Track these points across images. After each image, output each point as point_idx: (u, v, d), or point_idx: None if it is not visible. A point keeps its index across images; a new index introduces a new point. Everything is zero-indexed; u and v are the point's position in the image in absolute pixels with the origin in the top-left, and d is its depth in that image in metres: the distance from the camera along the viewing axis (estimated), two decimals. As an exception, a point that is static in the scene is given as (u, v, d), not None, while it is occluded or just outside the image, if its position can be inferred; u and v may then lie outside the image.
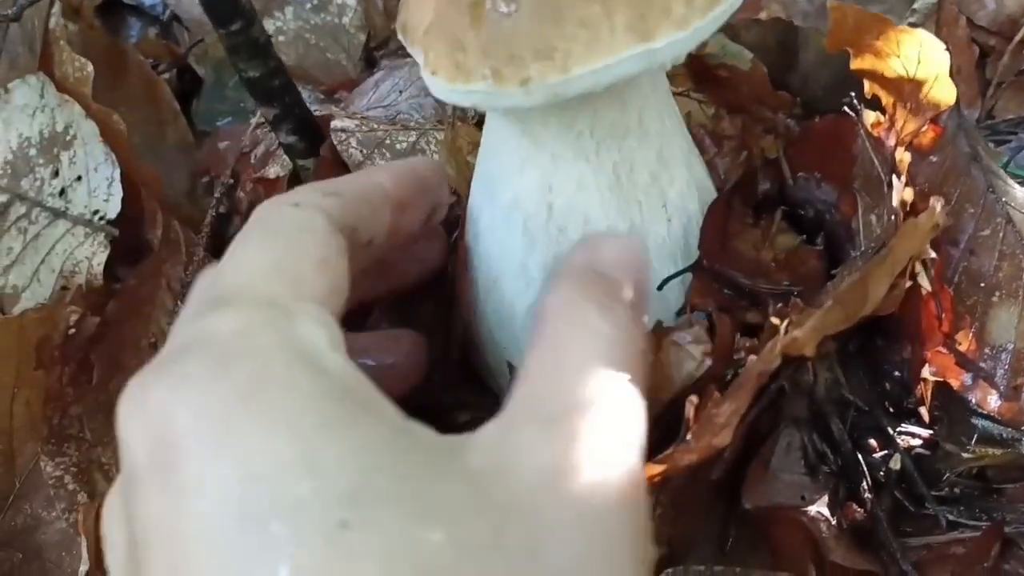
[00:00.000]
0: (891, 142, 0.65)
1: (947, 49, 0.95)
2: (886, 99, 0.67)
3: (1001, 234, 0.65)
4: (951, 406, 0.63)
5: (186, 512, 0.36)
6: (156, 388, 0.39)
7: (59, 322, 0.74)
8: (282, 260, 0.45)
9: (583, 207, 0.60)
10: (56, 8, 0.84)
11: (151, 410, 0.38)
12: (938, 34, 1.02)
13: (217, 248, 0.84)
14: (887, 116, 0.66)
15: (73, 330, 0.75)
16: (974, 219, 0.66)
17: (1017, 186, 0.69)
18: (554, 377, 0.44)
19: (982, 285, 0.64)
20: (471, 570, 0.35)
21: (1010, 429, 0.64)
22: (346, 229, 0.49)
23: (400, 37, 0.57)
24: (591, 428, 0.41)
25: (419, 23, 0.55)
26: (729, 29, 0.75)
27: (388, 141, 0.77)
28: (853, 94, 0.68)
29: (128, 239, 0.82)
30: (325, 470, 0.35)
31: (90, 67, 0.80)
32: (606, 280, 0.51)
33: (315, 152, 0.71)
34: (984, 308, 0.64)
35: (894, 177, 0.62)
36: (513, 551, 0.36)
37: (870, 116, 0.66)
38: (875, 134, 0.66)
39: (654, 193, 0.61)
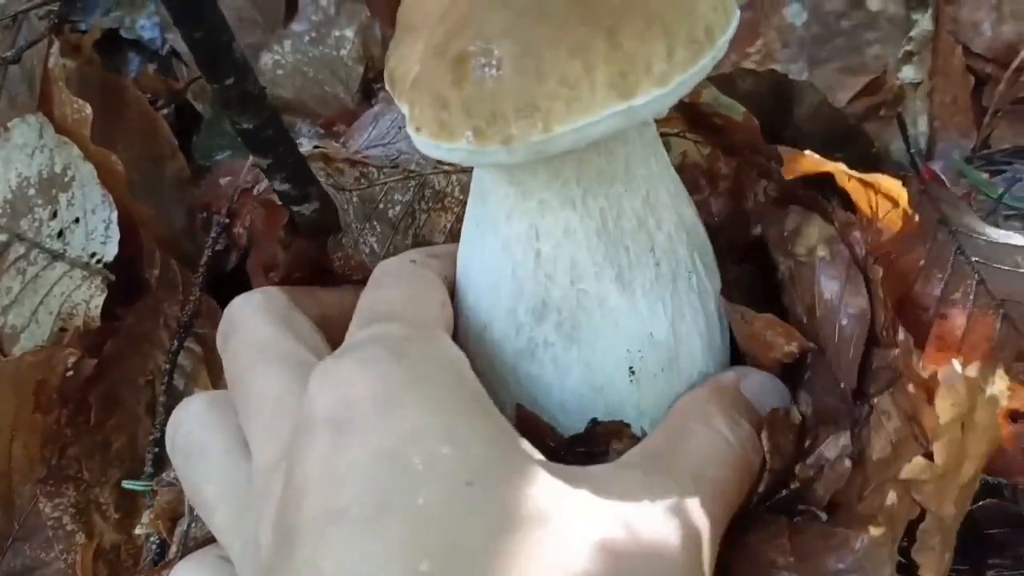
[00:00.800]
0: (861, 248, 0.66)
1: (943, 79, 0.96)
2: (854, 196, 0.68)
3: (972, 296, 0.65)
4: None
5: (350, 457, 0.46)
6: (346, 361, 0.50)
7: (57, 365, 0.74)
8: (416, 298, 0.59)
9: (570, 253, 0.60)
10: (55, 48, 0.85)
11: (339, 378, 0.49)
12: (933, 63, 1.03)
13: (214, 286, 0.85)
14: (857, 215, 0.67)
15: (71, 372, 0.75)
16: (943, 284, 0.66)
17: (996, 234, 0.68)
18: (667, 459, 0.54)
19: (957, 349, 0.64)
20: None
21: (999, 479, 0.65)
22: (445, 282, 0.62)
23: (387, 87, 0.58)
24: (667, 518, 0.49)
25: (405, 74, 0.56)
26: (723, 79, 0.75)
27: (382, 206, 0.77)
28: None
29: (126, 277, 0.82)
30: (461, 442, 0.46)
31: (88, 109, 0.81)
32: (745, 401, 0.60)
33: (308, 197, 0.72)
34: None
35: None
36: None
37: (842, 216, 0.66)
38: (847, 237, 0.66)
39: (641, 238, 0.61)
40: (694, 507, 0.51)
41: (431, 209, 0.79)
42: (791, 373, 0.66)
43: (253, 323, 0.60)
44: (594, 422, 0.61)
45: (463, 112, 0.52)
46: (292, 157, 0.69)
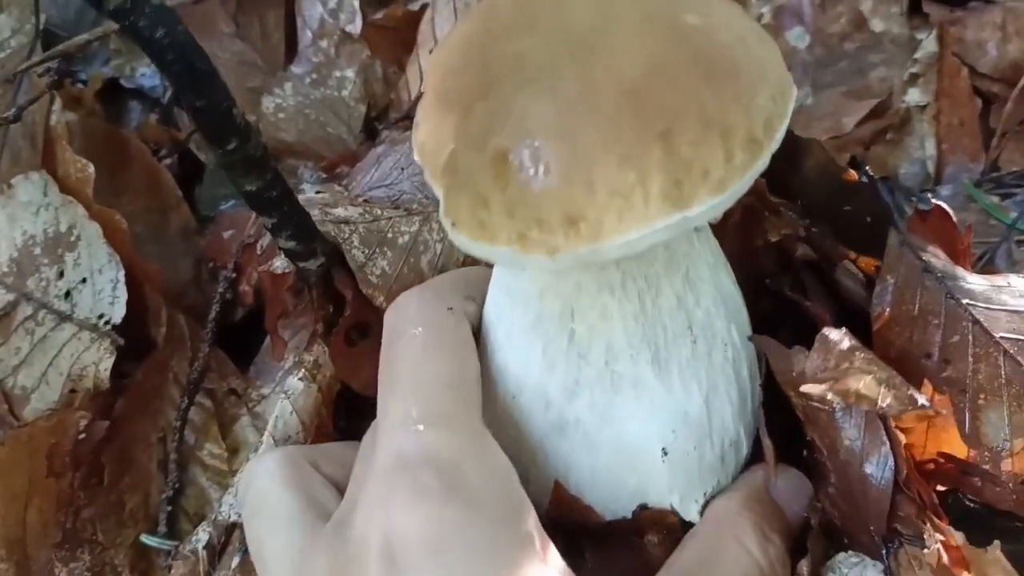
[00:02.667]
0: None
1: (949, 101, 0.95)
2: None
3: (971, 337, 0.65)
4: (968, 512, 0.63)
5: None
6: (400, 493, 0.50)
7: (69, 429, 0.74)
8: (458, 378, 0.57)
9: (605, 335, 0.58)
10: (56, 105, 0.85)
11: (393, 511, 0.50)
12: (939, 85, 1.03)
13: (223, 340, 0.85)
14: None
15: (83, 435, 0.75)
16: (940, 329, 0.65)
17: (976, 279, 0.68)
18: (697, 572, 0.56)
19: (965, 391, 0.64)
20: None
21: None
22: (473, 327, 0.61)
23: (416, 158, 0.55)
24: None
25: (437, 153, 0.52)
26: None
27: (391, 235, 0.77)
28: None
29: (134, 333, 0.82)
30: None
31: (91, 168, 0.81)
32: (775, 509, 0.61)
33: (314, 253, 0.71)
34: (973, 412, 0.63)
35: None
36: None
37: None
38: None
39: (680, 317, 0.59)
40: None
41: (445, 239, 0.78)
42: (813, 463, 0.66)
43: (267, 489, 0.61)
44: (642, 507, 0.61)
45: (505, 215, 0.49)
46: (297, 215, 0.69)
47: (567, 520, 0.58)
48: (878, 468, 0.60)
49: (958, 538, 0.58)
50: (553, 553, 0.52)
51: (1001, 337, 0.64)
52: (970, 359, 0.65)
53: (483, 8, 0.55)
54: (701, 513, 0.61)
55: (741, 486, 0.63)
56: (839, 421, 0.61)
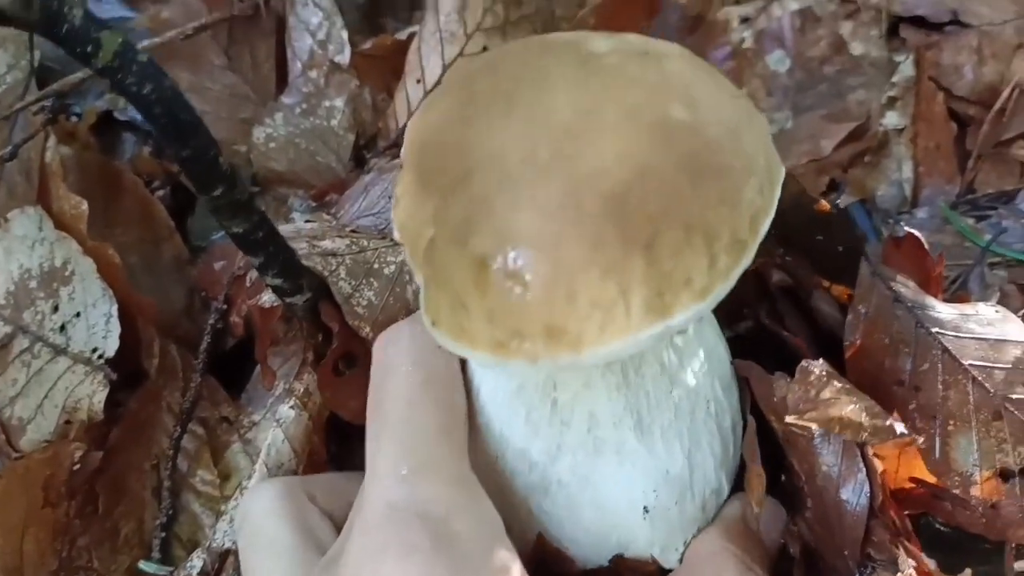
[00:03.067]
0: None
1: (926, 124, 0.97)
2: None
3: (940, 365, 0.67)
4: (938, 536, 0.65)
5: None
6: (389, 550, 0.51)
7: (64, 460, 0.76)
8: (448, 422, 0.58)
9: (588, 404, 0.58)
10: (51, 142, 0.87)
11: (380, 572, 0.51)
12: (916, 108, 1.04)
13: (214, 368, 0.87)
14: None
15: (78, 465, 0.77)
16: (911, 357, 0.67)
17: (945, 308, 0.70)
18: None
19: (935, 417, 0.66)
20: None
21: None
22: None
23: (396, 235, 0.54)
24: None
25: (416, 235, 0.52)
26: None
27: (376, 265, 0.78)
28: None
29: (127, 363, 0.84)
30: None
31: (85, 204, 0.83)
32: (755, 540, 0.62)
33: (300, 289, 0.73)
34: (943, 439, 0.65)
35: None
36: None
37: None
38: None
39: (663, 381, 0.59)
40: None
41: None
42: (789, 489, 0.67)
43: (263, 521, 0.63)
44: (619, 557, 0.62)
45: (485, 321, 0.48)
46: (283, 254, 0.71)
47: (548, 569, 0.59)
48: (854, 494, 0.61)
49: (930, 564, 0.60)
50: None
51: (969, 364, 0.67)
52: (939, 386, 0.67)
53: (460, 80, 0.55)
54: (681, 560, 0.62)
55: (720, 520, 0.64)
56: (817, 447, 0.62)
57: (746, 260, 0.49)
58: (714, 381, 0.62)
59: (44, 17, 0.53)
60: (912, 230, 0.76)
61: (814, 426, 0.60)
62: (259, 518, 0.63)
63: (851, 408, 0.59)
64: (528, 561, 0.57)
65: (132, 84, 0.56)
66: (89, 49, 0.54)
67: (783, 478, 0.67)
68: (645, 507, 0.60)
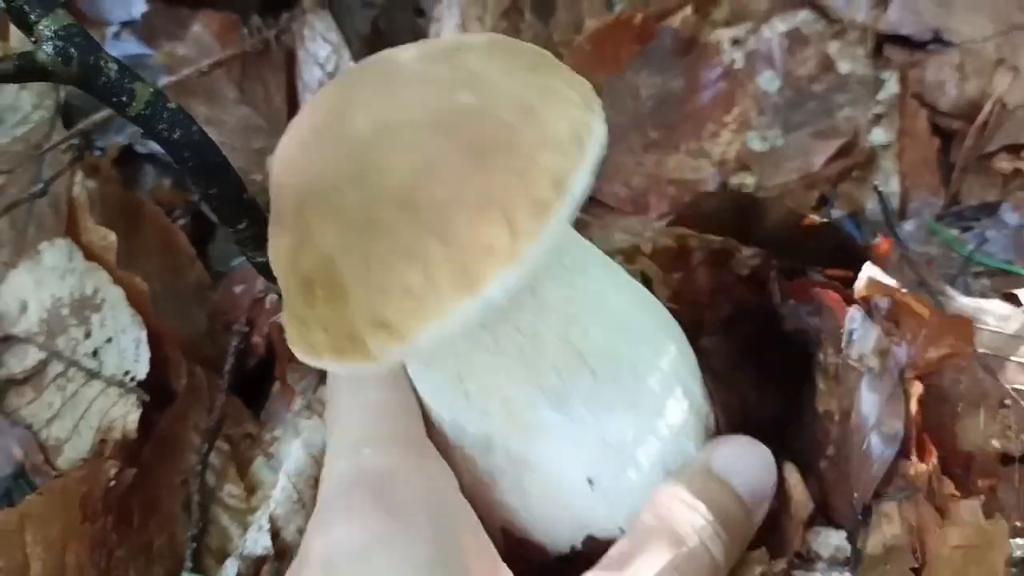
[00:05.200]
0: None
1: (911, 140, 1.01)
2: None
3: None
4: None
5: None
6: (333, 515, 0.56)
7: (100, 477, 0.81)
8: (394, 399, 0.62)
9: (497, 390, 0.59)
10: (79, 177, 0.92)
11: (330, 524, 0.56)
12: (901, 124, 1.09)
13: (238, 388, 0.92)
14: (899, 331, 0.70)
15: (113, 482, 0.82)
16: None
17: (962, 299, 0.75)
18: (626, 566, 0.57)
19: (946, 400, 0.70)
20: None
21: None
22: None
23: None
24: None
25: (277, 271, 0.56)
26: (687, 206, 0.80)
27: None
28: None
29: (155, 383, 0.89)
30: None
31: (113, 236, 0.88)
32: (713, 487, 0.62)
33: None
34: (951, 420, 0.70)
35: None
36: None
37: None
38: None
39: (569, 353, 0.59)
40: None
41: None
42: (812, 445, 0.70)
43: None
44: (590, 538, 0.63)
45: (321, 331, 0.52)
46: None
47: (522, 560, 0.60)
48: (884, 440, 0.65)
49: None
50: (490, 569, 0.57)
51: (983, 353, 0.72)
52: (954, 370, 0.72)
53: (297, 119, 0.57)
54: None
55: (680, 471, 0.64)
56: (866, 383, 0.67)
57: (555, 217, 0.50)
58: (638, 345, 0.62)
59: (82, 72, 0.58)
60: (905, 225, 0.80)
61: (875, 360, 0.65)
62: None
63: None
64: (504, 557, 0.59)
65: (163, 130, 0.60)
66: (124, 99, 0.59)
67: (807, 421, 0.71)
68: (589, 479, 0.61)
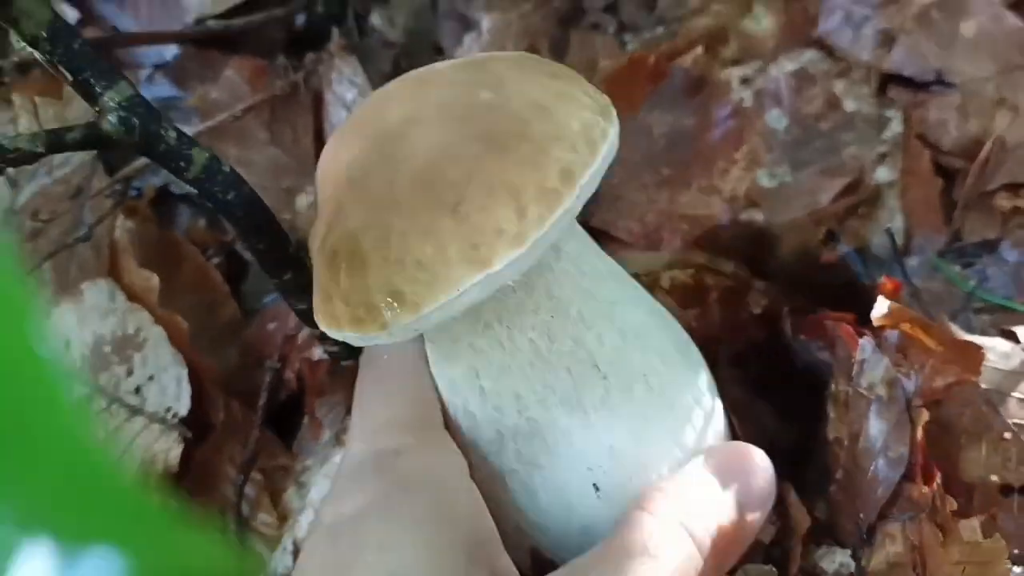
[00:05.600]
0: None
1: (914, 178, 1.05)
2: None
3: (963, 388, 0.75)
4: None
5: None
6: (341, 484, 0.61)
7: (143, 510, 0.85)
8: (413, 390, 0.66)
9: (511, 388, 0.62)
10: (120, 221, 0.96)
11: (340, 494, 0.60)
12: (904, 163, 1.13)
13: (271, 420, 0.96)
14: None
15: (155, 514, 0.86)
16: None
17: (964, 335, 0.79)
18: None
19: (950, 432, 0.74)
20: None
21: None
22: None
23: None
24: None
25: (313, 254, 0.62)
26: (705, 236, 0.84)
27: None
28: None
29: (195, 417, 0.93)
30: None
31: (156, 280, 0.92)
32: (697, 495, 0.61)
33: (355, 355, 0.82)
34: (955, 451, 0.74)
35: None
36: None
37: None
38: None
39: (582, 357, 0.62)
40: None
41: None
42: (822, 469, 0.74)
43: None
44: None
45: (344, 303, 0.56)
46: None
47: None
48: (889, 464, 0.69)
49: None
50: (488, 549, 0.58)
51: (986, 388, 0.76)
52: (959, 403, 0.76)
53: (343, 124, 0.64)
54: None
55: (664, 483, 0.63)
56: (873, 410, 0.71)
57: (562, 208, 0.54)
58: (650, 355, 0.64)
59: (144, 140, 0.62)
60: (909, 262, 0.85)
61: (883, 389, 0.69)
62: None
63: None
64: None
65: (218, 192, 0.65)
66: (182, 164, 0.64)
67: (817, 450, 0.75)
68: (595, 485, 0.63)
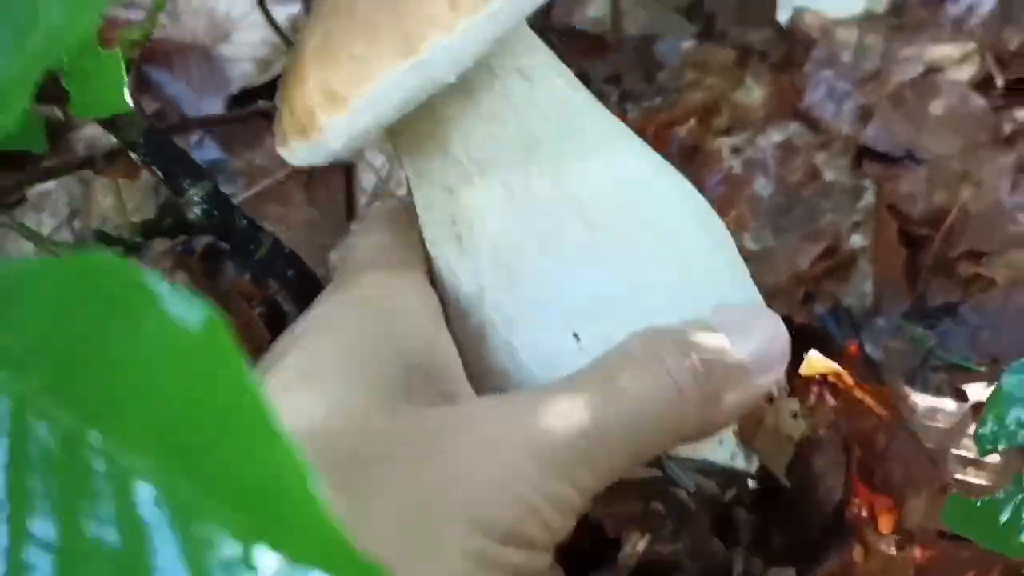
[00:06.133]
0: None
1: (883, 246, 1.18)
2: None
3: (904, 443, 0.88)
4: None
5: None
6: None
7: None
8: (405, 235, 0.66)
9: (487, 235, 0.60)
10: (178, 276, 1.09)
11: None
12: (876, 231, 1.25)
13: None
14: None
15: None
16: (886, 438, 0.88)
17: (915, 396, 0.91)
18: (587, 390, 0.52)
19: (893, 485, 0.86)
20: None
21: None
22: None
23: None
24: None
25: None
26: None
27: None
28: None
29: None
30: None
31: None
32: (714, 339, 0.56)
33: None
34: (899, 503, 0.86)
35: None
36: None
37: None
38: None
39: (562, 199, 0.59)
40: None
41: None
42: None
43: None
44: None
45: (290, 114, 0.57)
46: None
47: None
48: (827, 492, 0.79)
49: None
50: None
51: (932, 448, 0.88)
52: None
53: None
54: None
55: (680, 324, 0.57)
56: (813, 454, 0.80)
57: (491, 7, 0.53)
58: (641, 204, 0.61)
59: (222, 226, 0.75)
60: (877, 322, 0.98)
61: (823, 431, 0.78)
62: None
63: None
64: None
65: (281, 269, 0.78)
66: (252, 247, 0.76)
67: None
68: (575, 334, 0.58)
